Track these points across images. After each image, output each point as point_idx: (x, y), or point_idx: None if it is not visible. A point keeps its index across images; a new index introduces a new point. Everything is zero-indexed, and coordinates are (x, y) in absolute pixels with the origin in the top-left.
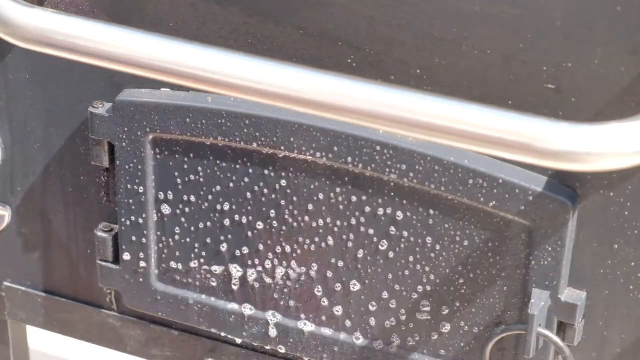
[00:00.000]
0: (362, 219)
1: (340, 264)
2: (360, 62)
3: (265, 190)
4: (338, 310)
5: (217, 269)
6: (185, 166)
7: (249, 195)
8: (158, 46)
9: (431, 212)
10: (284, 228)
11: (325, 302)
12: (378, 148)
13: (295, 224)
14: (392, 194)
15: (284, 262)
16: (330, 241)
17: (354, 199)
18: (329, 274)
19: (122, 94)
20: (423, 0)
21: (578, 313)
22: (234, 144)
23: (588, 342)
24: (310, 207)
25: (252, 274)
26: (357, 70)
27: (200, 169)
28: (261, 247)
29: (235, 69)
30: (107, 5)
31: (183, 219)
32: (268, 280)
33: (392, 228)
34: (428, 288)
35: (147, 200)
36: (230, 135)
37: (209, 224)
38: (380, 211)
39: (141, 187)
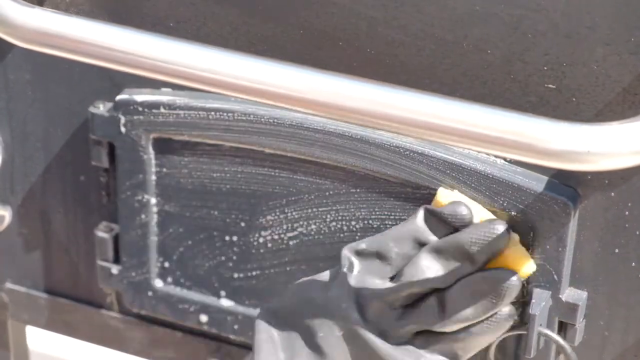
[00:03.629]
0: (364, 219)
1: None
2: (360, 62)
3: (267, 190)
4: None
5: (219, 269)
6: (186, 166)
7: (250, 194)
8: (158, 46)
9: None
10: (286, 228)
11: None
12: (378, 148)
13: (297, 224)
14: (393, 194)
15: (287, 262)
16: (332, 240)
17: (354, 199)
18: None
19: (122, 93)
20: (423, 0)
21: (579, 313)
22: (234, 144)
23: (589, 341)
24: (313, 207)
25: (255, 274)
26: (357, 70)
27: (200, 168)
28: (263, 246)
29: (235, 69)
30: (107, 5)
31: (184, 219)
32: (271, 280)
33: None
34: None
35: (147, 200)
36: (231, 134)
37: (209, 223)
38: (381, 211)
39: (141, 187)
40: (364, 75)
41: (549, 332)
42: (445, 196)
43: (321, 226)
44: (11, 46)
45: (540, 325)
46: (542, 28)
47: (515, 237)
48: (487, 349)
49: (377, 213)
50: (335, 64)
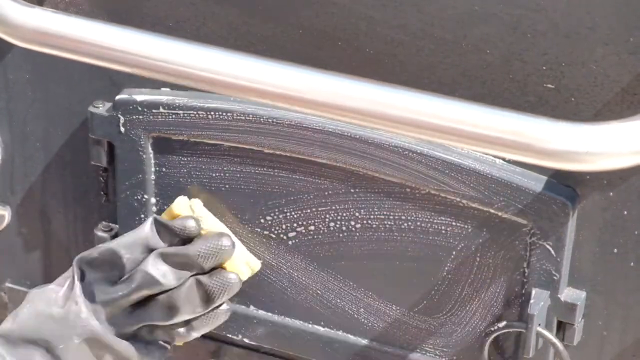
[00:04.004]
0: (363, 219)
1: (342, 263)
2: (359, 62)
3: (266, 190)
4: (339, 309)
5: None
6: (185, 166)
7: (249, 194)
8: (158, 46)
9: (431, 212)
10: (285, 228)
11: (327, 302)
12: (378, 148)
13: (296, 224)
14: (392, 194)
15: (286, 263)
16: (332, 239)
17: (353, 199)
18: (331, 274)
19: (122, 93)
20: (423, 0)
21: (578, 312)
22: (233, 144)
23: (588, 341)
24: (312, 207)
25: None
26: (357, 70)
27: (200, 168)
28: (262, 247)
29: (235, 69)
30: (107, 5)
31: None
32: (270, 281)
33: (393, 228)
34: (428, 287)
35: (146, 200)
36: (230, 134)
37: None
38: (380, 211)
39: (141, 187)
40: (364, 75)
41: (545, 332)
42: (180, 207)
43: (320, 226)
44: (11, 46)
45: (539, 325)
46: (541, 28)
47: (239, 245)
48: (481, 349)
49: (376, 213)
50: (335, 64)
